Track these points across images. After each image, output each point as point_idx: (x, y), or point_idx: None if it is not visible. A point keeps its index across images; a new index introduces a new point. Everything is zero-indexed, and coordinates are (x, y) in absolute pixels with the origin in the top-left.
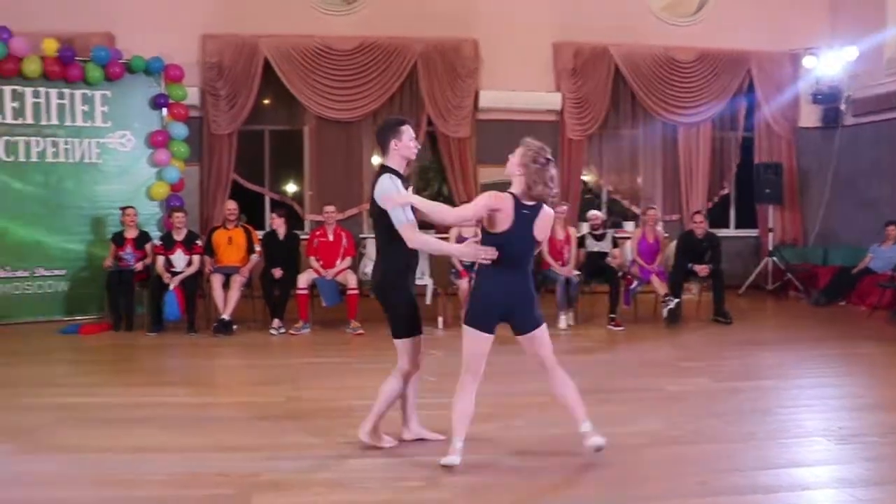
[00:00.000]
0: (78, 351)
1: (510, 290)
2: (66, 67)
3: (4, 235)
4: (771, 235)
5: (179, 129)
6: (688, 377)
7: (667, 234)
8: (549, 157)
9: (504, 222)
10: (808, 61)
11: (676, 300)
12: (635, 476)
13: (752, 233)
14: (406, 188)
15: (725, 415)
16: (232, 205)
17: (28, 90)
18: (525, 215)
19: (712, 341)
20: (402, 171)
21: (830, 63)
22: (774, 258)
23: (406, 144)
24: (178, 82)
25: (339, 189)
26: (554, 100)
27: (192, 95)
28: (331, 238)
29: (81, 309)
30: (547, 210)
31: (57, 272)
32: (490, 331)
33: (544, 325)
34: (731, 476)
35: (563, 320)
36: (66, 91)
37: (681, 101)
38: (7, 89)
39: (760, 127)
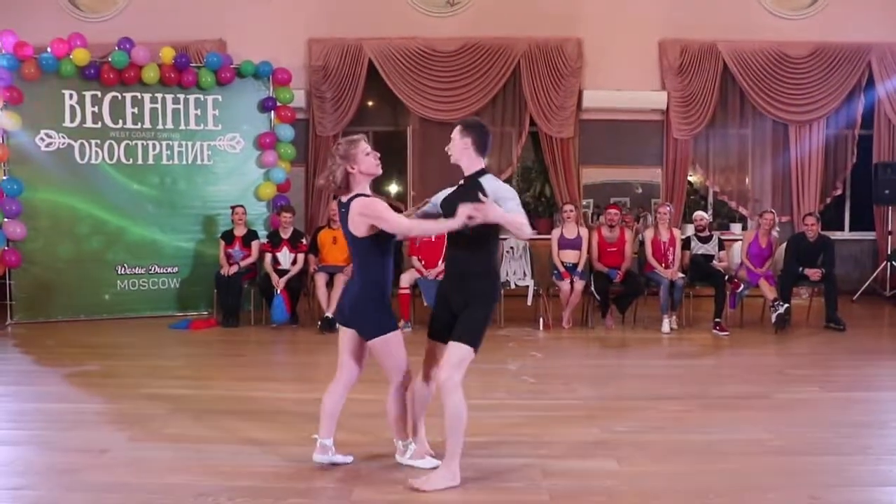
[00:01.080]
0: (189, 345)
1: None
2: (181, 74)
3: (123, 234)
4: (890, 238)
5: (286, 132)
6: (797, 385)
7: (777, 237)
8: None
9: None
10: None
11: (786, 305)
12: (740, 486)
13: (869, 236)
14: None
15: (837, 426)
16: (336, 205)
17: (146, 96)
18: (343, 213)
19: (823, 349)
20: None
21: None
22: (894, 262)
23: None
24: (286, 86)
25: (441, 189)
26: (659, 99)
27: (299, 98)
28: (433, 238)
29: (192, 305)
30: (356, 202)
31: (170, 269)
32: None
33: (380, 339)
34: (845, 491)
35: (667, 324)
36: (181, 96)
37: (793, 99)
38: (128, 96)
39: (880, 124)
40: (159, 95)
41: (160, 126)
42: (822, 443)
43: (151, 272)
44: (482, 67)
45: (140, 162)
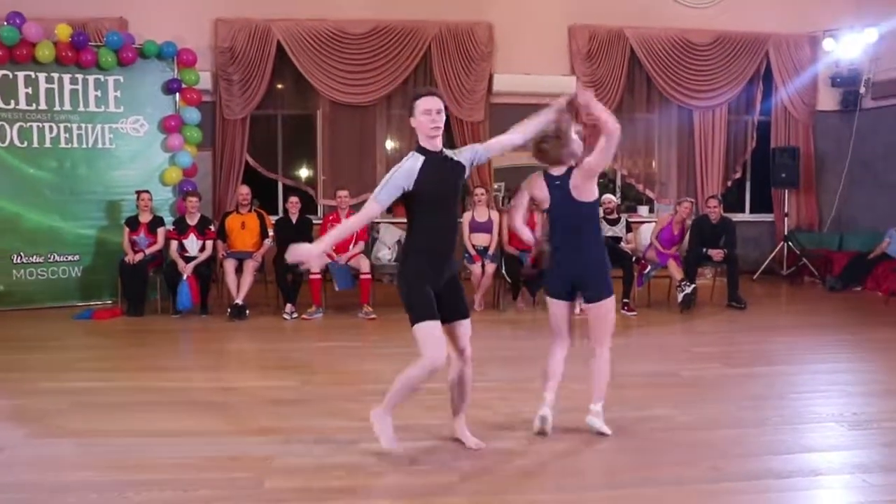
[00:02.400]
0: (92, 336)
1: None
2: (78, 53)
3: (18, 221)
4: (786, 220)
5: (192, 114)
6: (701, 362)
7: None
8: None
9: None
10: (827, 44)
11: (693, 286)
12: (647, 461)
13: (768, 217)
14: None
15: (739, 400)
16: (245, 190)
17: (41, 76)
18: (557, 186)
19: (726, 327)
20: (430, 148)
21: (850, 45)
22: (790, 243)
23: (418, 120)
24: (191, 67)
25: (352, 174)
26: (569, 83)
27: (205, 80)
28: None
29: (95, 294)
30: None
31: (71, 258)
32: (561, 297)
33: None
34: (744, 461)
35: (577, 305)
36: (79, 76)
37: (697, 85)
38: (21, 75)
39: (777, 111)
40: (55, 75)
41: (57, 107)
42: (724, 416)
43: (51, 261)
44: (393, 50)
45: (35, 145)
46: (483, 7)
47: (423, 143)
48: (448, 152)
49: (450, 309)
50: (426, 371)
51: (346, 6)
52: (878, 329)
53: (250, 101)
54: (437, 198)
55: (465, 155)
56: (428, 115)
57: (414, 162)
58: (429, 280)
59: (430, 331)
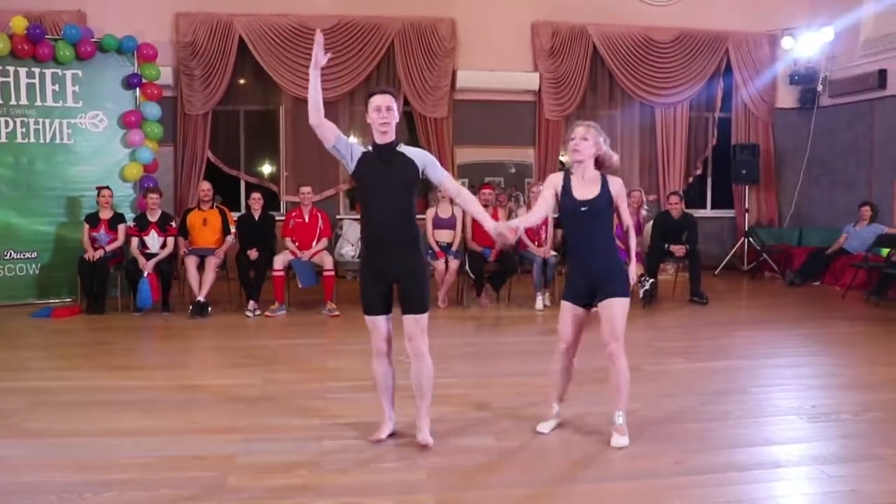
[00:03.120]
0: (51, 334)
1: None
2: (35, 46)
3: None
4: (747, 216)
5: (153, 110)
6: (664, 357)
7: (646, 215)
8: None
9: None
10: (785, 42)
11: (651, 280)
12: (611, 456)
13: (729, 213)
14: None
15: (701, 395)
16: (206, 186)
17: None
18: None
19: (688, 322)
20: (380, 142)
21: (808, 44)
22: (750, 239)
23: (371, 117)
24: (152, 62)
25: (315, 170)
26: (532, 80)
27: (166, 75)
28: (307, 219)
29: (53, 292)
30: (619, 181)
31: (28, 255)
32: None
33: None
34: (707, 455)
35: (540, 301)
36: (36, 70)
37: (658, 82)
38: None
39: (738, 108)
40: (11, 68)
41: (13, 102)
42: (686, 411)
43: (7, 258)
44: (356, 46)
45: None
46: (446, 3)
47: (375, 137)
48: (402, 148)
49: (401, 302)
50: (372, 359)
51: (309, 1)
52: (836, 323)
53: (212, 97)
54: (376, 188)
55: (416, 154)
56: (378, 111)
57: (363, 147)
58: (376, 272)
59: (369, 323)
